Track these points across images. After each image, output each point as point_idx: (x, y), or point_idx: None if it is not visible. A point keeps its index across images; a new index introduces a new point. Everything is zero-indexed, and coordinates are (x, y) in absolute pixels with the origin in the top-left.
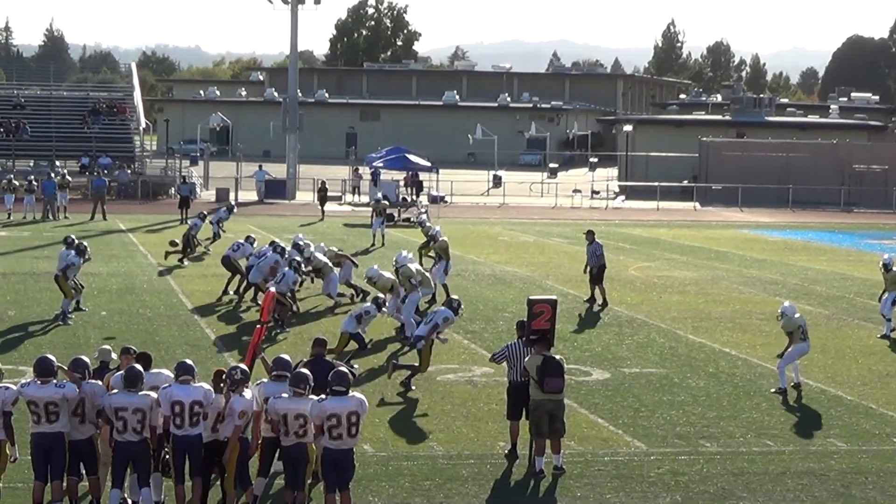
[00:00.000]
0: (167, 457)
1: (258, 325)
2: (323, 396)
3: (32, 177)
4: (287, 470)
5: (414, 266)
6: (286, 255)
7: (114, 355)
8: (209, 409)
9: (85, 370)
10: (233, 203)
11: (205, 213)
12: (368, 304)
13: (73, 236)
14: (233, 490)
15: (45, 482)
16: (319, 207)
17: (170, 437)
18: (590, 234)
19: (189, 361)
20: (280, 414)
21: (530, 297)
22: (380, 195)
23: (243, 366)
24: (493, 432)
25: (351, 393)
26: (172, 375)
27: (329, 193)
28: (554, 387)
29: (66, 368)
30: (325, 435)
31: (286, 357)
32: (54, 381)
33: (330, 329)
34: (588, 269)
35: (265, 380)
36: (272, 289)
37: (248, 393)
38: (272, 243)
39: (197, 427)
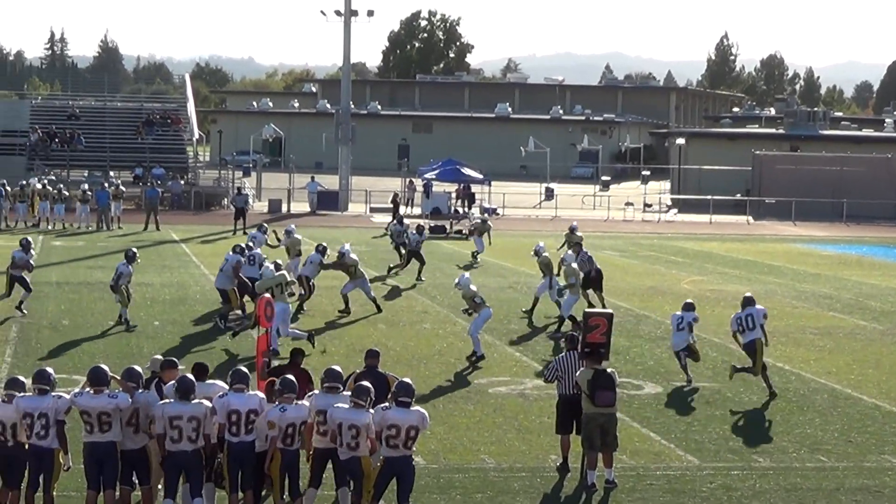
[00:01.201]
0: (220, 467)
1: (260, 334)
2: (387, 405)
3: (86, 186)
4: (343, 480)
5: (473, 286)
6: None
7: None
8: (262, 418)
9: (138, 380)
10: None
11: (265, 224)
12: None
13: (133, 250)
14: (280, 500)
15: (97, 491)
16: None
17: (223, 446)
18: (577, 246)
19: (244, 369)
20: (335, 423)
21: (586, 310)
22: (478, 211)
23: (290, 376)
24: (544, 445)
25: (415, 406)
26: (225, 386)
27: (381, 205)
28: (605, 400)
29: (119, 378)
30: (382, 444)
31: (338, 369)
32: (107, 391)
33: (363, 335)
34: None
35: (317, 391)
36: (266, 295)
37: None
38: (235, 246)
39: (251, 434)
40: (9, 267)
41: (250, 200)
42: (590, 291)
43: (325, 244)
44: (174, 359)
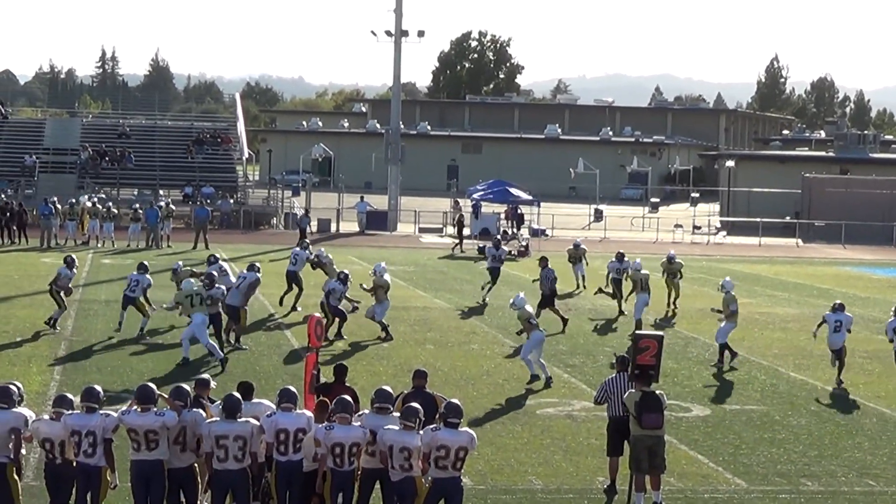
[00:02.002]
0: (267, 486)
1: (308, 353)
2: (436, 426)
3: (137, 205)
4: (391, 501)
5: (529, 307)
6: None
7: (213, 384)
8: (310, 437)
9: (186, 399)
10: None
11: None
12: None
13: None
14: None
15: None
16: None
17: (271, 465)
18: (543, 260)
19: (292, 388)
20: (387, 445)
21: (637, 332)
22: (578, 240)
23: (347, 397)
24: (592, 467)
25: (464, 428)
26: (271, 405)
27: (430, 226)
28: (652, 423)
29: (166, 397)
30: (431, 465)
31: (388, 389)
32: (155, 409)
33: (411, 355)
34: (542, 293)
35: (367, 411)
36: (317, 314)
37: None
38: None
39: (299, 453)
40: (51, 283)
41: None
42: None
43: (346, 272)
44: (207, 377)
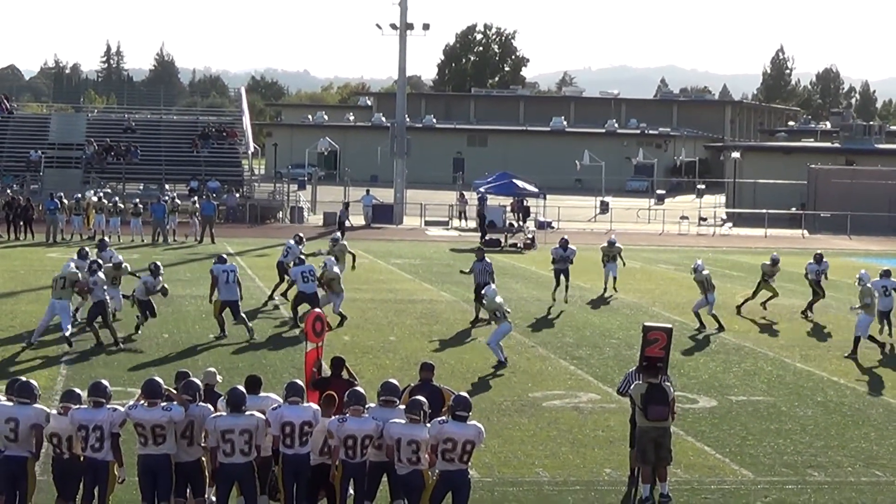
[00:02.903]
0: (274, 480)
1: (307, 350)
2: (444, 419)
3: (137, 200)
4: (398, 494)
5: (499, 299)
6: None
7: (219, 378)
8: (317, 430)
9: (195, 393)
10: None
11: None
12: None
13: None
14: None
15: (152, 503)
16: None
17: (278, 458)
18: (479, 251)
19: (299, 382)
20: (394, 439)
21: (646, 324)
22: (613, 237)
23: (360, 389)
24: (599, 459)
25: (472, 421)
26: (278, 398)
27: (436, 219)
28: (657, 415)
29: (174, 391)
30: (438, 457)
31: (395, 382)
32: (162, 403)
33: (418, 348)
34: (475, 285)
35: (373, 405)
36: (317, 310)
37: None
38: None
39: (306, 446)
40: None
41: (305, 213)
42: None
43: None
44: (186, 370)
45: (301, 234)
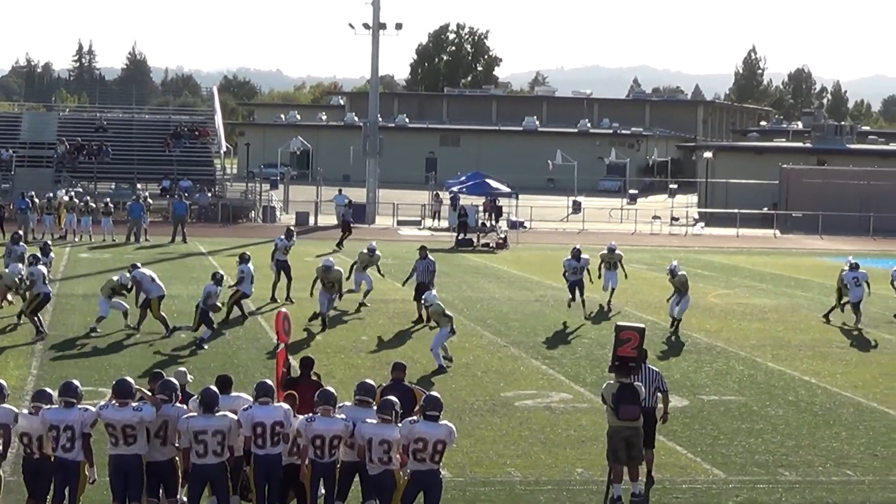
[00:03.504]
0: (246, 480)
1: (278, 349)
2: (415, 419)
3: (108, 199)
4: (370, 494)
5: (441, 303)
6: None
7: (190, 378)
8: (289, 430)
9: (171, 393)
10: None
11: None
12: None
13: (220, 272)
14: None
15: (123, 503)
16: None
17: (250, 458)
18: (423, 250)
19: (269, 382)
20: (365, 439)
21: (618, 324)
22: (613, 244)
23: (331, 389)
24: (570, 458)
25: (443, 421)
26: (249, 398)
27: (408, 218)
28: (628, 414)
29: (145, 391)
30: (409, 457)
31: (371, 382)
32: (133, 403)
33: (390, 348)
34: (417, 284)
35: (348, 403)
36: (283, 309)
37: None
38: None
39: (277, 447)
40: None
41: (277, 213)
42: None
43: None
44: (160, 371)
45: (292, 228)
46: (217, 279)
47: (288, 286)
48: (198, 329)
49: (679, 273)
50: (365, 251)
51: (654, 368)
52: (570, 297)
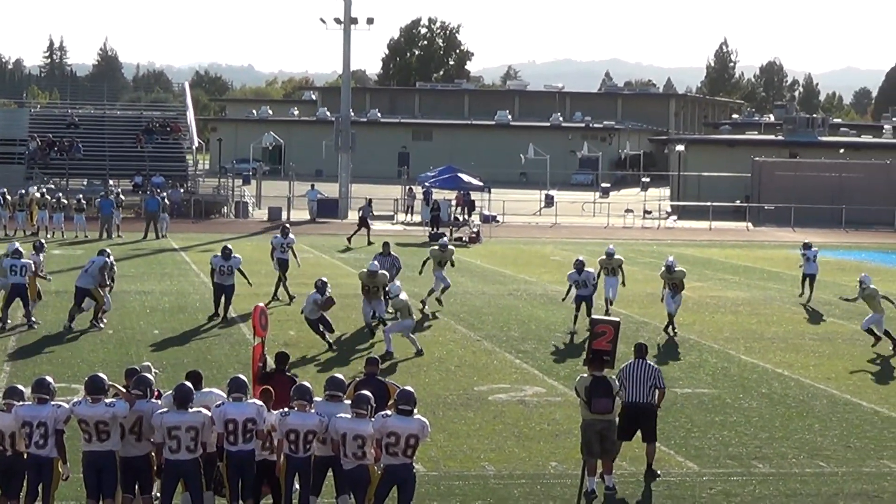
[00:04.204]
0: (220, 476)
1: (254, 344)
2: (388, 413)
3: (81, 196)
4: (344, 489)
5: (404, 296)
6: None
7: (156, 371)
8: (261, 426)
9: (146, 388)
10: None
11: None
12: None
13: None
14: None
15: (97, 500)
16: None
17: (223, 455)
18: (385, 246)
19: (243, 377)
20: (339, 434)
21: (593, 317)
22: (612, 248)
23: (306, 384)
24: (544, 452)
25: (416, 415)
26: (222, 394)
27: (381, 213)
28: (601, 408)
29: (118, 387)
30: (382, 451)
31: (340, 377)
32: (105, 399)
33: (363, 342)
34: None
35: (319, 398)
36: (260, 304)
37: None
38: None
39: (250, 443)
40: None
41: (250, 208)
42: None
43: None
44: (135, 367)
45: (287, 225)
46: (319, 287)
47: (282, 283)
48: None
49: (676, 269)
50: (437, 248)
51: (652, 364)
52: (576, 310)
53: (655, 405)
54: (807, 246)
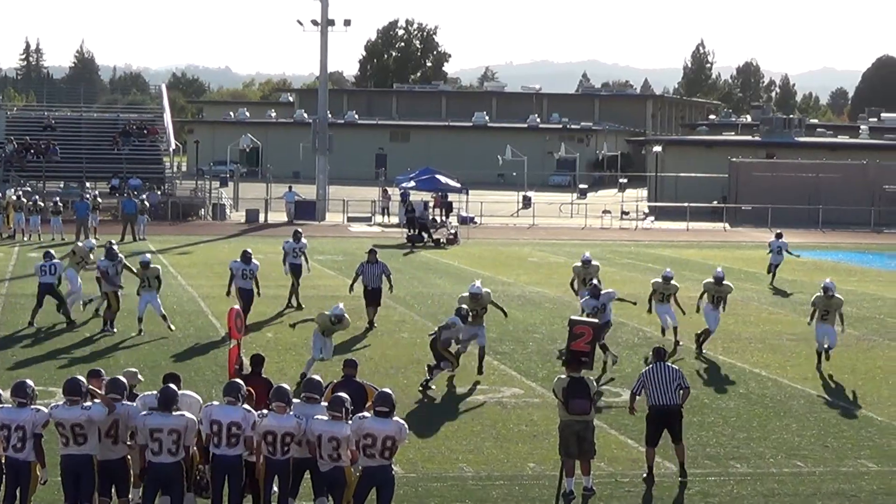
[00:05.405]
0: (202, 478)
1: (230, 346)
2: (366, 414)
3: (58, 198)
4: (321, 491)
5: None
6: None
7: (141, 377)
8: (248, 433)
9: (122, 391)
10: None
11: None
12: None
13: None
14: None
15: None
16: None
17: (209, 457)
18: (372, 254)
19: (239, 381)
20: (315, 436)
21: (572, 318)
22: (670, 272)
23: (285, 386)
24: (522, 453)
25: (394, 417)
26: (198, 397)
27: (359, 215)
28: (578, 408)
29: (96, 390)
30: (360, 453)
31: (318, 378)
32: (82, 402)
33: (342, 344)
34: (366, 288)
35: (297, 400)
36: (235, 306)
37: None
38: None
39: (236, 448)
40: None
41: (227, 211)
42: None
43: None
44: (100, 368)
45: (299, 230)
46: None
47: (295, 290)
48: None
49: (725, 283)
50: (579, 264)
51: (674, 367)
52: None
53: (681, 405)
54: (778, 236)
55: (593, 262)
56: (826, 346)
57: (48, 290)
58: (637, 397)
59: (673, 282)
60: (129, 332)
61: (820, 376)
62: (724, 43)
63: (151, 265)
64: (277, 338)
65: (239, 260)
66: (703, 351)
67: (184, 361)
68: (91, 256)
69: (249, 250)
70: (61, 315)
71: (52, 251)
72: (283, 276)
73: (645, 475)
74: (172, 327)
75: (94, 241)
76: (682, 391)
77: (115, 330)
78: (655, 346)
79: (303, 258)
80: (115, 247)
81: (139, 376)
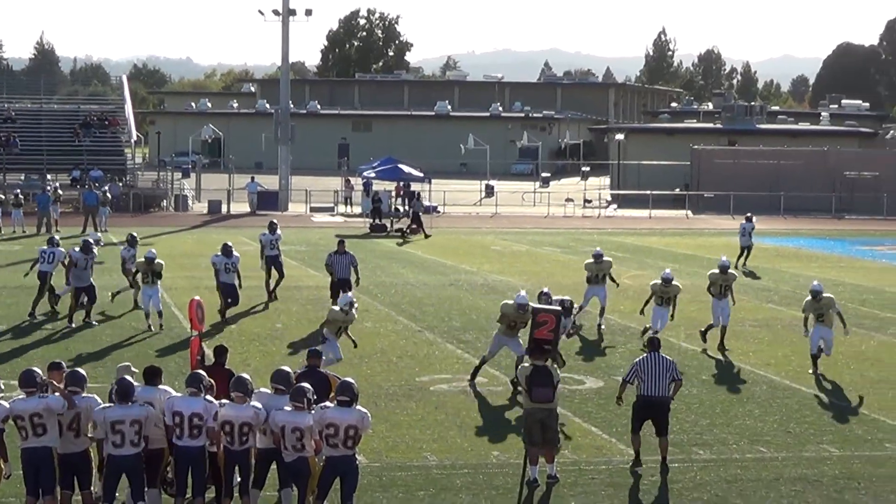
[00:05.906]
0: (169, 474)
1: (192, 337)
2: (328, 404)
3: (18, 190)
4: (287, 482)
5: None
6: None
7: (134, 369)
8: (211, 423)
9: (82, 384)
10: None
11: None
12: None
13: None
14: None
15: (36, 497)
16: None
17: (173, 449)
18: (341, 244)
19: (201, 373)
20: (279, 426)
21: (535, 306)
22: (669, 272)
23: (245, 375)
24: (486, 441)
25: (356, 406)
26: (175, 392)
27: (321, 205)
28: (541, 396)
29: (55, 384)
30: (324, 443)
31: (287, 369)
32: (38, 393)
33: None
34: (335, 279)
35: (265, 390)
36: (196, 297)
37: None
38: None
39: (198, 439)
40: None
41: (189, 202)
42: None
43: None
44: (60, 361)
45: (275, 221)
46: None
47: (277, 282)
48: None
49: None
50: (591, 261)
51: (667, 357)
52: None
53: (671, 398)
54: (749, 219)
55: (605, 258)
56: (820, 347)
57: (44, 278)
58: (629, 385)
59: (675, 283)
60: (90, 323)
61: (816, 379)
62: (686, 31)
63: (156, 260)
64: (241, 328)
65: (220, 254)
66: (725, 349)
67: (146, 353)
68: (95, 250)
69: (230, 243)
70: (49, 304)
71: (57, 237)
72: (257, 267)
73: (632, 462)
74: (162, 325)
75: (99, 234)
76: (674, 384)
77: (38, 318)
78: (650, 337)
79: (278, 250)
80: (94, 244)
81: (133, 368)
